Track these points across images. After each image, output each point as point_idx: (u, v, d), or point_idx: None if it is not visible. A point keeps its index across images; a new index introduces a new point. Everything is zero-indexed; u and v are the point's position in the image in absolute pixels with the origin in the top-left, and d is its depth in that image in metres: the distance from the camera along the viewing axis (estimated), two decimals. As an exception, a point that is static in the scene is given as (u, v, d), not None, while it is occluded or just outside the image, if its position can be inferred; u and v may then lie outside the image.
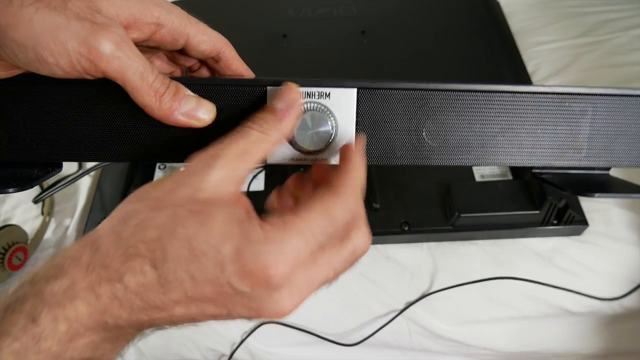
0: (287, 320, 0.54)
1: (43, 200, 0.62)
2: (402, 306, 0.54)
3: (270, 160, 0.29)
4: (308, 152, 0.29)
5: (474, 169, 0.61)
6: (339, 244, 0.24)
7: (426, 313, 0.54)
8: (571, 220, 0.56)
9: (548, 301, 0.54)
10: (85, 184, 0.64)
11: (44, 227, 0.60)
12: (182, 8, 0.29)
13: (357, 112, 0.29)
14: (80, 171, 0.61)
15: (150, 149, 0.28)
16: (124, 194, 0.57)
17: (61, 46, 0.23)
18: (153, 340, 0.54)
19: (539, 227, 0.56)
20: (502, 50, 0.69)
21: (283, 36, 0.70)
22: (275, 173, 0.62)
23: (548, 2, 0.85)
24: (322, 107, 0.28)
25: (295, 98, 0.27)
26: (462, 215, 0.54)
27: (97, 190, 0.61)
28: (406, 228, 0.56)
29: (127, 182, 0.59)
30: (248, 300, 0.22)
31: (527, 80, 0.70)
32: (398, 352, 0.55)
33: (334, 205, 0.24)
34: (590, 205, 0.58)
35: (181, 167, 0.63)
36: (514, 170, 0.61)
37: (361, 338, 0.54)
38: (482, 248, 0.57)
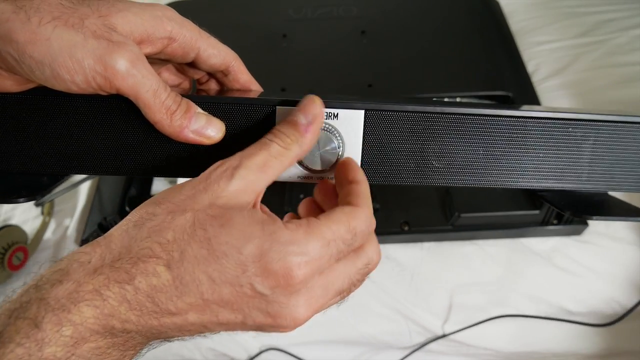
0: (299, 349, 0.54)
1: (43, 203, 0.62)
2: (402, 307, 0.54)
3: (278, 178, 0.29)
4: (315, 171, 0.29)
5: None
6: (355, 254, 0.25)
7: (426, 313, 0.54)
8: (571, 220, 0.56)
9: (548, 301, 0.54)
10: (85, 185, 0.64)
11: (44, 227, 0.60)
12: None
13: (364, 133, 0.29)
14: (83, 176, 0.62)
15: (158, 164, 0.29)
16: (124, 194, 0.57)
17: (78, 63, 0.24)
18: (153, 340, 0.54)
19: (539, 227, 0.56)
20: (502, 50, 0.69)
21: (283, 36, 0.70)
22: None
23: (548, 2, 0.85)
24: (330, 127, 0.29)
25: (318, 113, 0.27)
26: (462, 215, 0.54)
27: (97, 191, 0.61)
28: (406, 228, 0.56)
29: (127, 183, 0.59)
30: (266, 304, 0.22)
31: (527, 80, 0.70)
32: (398, 352, 0.55)
33: (355, 216, 0.24)
34: (590, 205, 0.58)
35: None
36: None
37: (363, 338, 0.54)
38: (482, 248, 0.57)
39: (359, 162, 0.29)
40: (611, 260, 0.55)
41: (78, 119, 0.28)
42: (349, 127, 0.29)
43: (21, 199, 0.29)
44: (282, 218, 0.57)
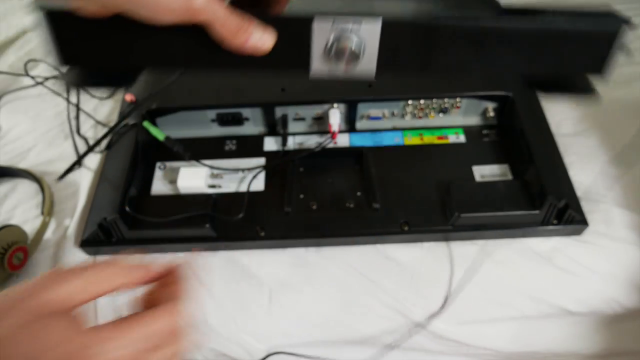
0: (299, 349, 0.54)
1: (44, 198, 0.62)
2: (402, 307, 0.54)
3: (314, 75, 0.37)
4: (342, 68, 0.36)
5: (474, 168, 0.61)
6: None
7: (426, 313, 0.54)
8: (571, 220, 0.56)
9: (548, 301, 0.54)
10: (85, 184, 0.64)
11: (44, 227, 0.60)
12: None
13: (380, 38, 0.35)
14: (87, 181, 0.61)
15: (217, 63, 0.35)
16: (124, 194, 0.57)
17: (168, 6, 0.30)
18: (153, 341, 0.54)
19: (539, 227, 0.56)
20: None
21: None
22: (275, 173, 0.62)
23: (548, 2, 0.85)
24: (355, 29, 0.35)
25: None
26: (462, 215, 0.54)
27: (97, 191, 0.61)
28: (406, 228, 0.56)
29: (127, 182, 0.59)
30: None
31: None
32: (398, 352, 0.55)
33: (148, 320, 0.27)
34: (590, 205, 0.58)
35: (178, 165, 0.63)
36: (514, 170, 0.61)
37: (363, 339, 0.54)
38: (482, 248, 0.57)
39: (375, 61, 0.36)
40: (611, 260, 0.55)
41: (161, 35, 0.33)
42: (369, 33, 0.35)
43: (114, 86, 0.42)
44: (282, 217, 0.59)
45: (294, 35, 0.35)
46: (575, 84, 0.42)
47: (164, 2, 0.30)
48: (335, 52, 0.35)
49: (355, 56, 0.35)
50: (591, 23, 0.38)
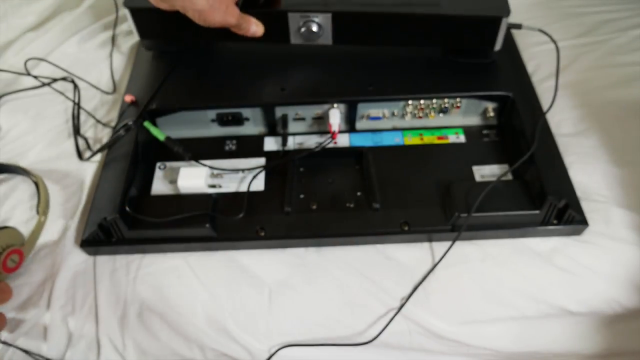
0: (307, 340, 0.54)
1: (39, 197, 0.61)
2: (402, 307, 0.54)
3: (293, 43, 0.63)
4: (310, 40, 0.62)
5: (474, 168, 0.61)
6: None
7: (426, 313, 0.54)
8: (571, 220, 0.56)
9: (548, 301, 0.54)
10: (85, 184, 0.64)
11: (39, 227, 0.59)
12: None
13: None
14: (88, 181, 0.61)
15: (226, 37, 0.60)
16: (124, 194, 0.57)
17: (214, 18, 0.56)
18: (153, 340, 0.54)
19: (539, 227, 0.56)
20: (502, 50, 0.69)
21: None
22: (275, 173, 0.62)
23: (548, 2, 0.85)
24: (314, 18, 0.59)
25: None
26: (462, 215, 0.54)
27: (97, 191, 0.61)
28: (406, 228, 0.56)
29: (128, 182, 0.59)
30: None
31: (527, 80, 0.70)
32: (398, 352, 0.55)
33: None
34: (590, 205, 0.58)
35: (178, 165, 0.63)
36: (514, 170, 0.61)
37: (363, 339, 0.54)
38: (482, 248, 0.57)
39: (330, 36, 0.61)
40: (612, 260, 0.55)
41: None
42: (324, 21, 0.59)
43: (168, 50, 0.68)
44: (282, 217, 0.59)
45: (280, 21, 0.58)
46: (477, 53, 0.63)
47: (211, 17, 0.55)
48: (304, 32, 0.58)
49: (316, 34, 0.58)
50: (483, 10, 0.57)
